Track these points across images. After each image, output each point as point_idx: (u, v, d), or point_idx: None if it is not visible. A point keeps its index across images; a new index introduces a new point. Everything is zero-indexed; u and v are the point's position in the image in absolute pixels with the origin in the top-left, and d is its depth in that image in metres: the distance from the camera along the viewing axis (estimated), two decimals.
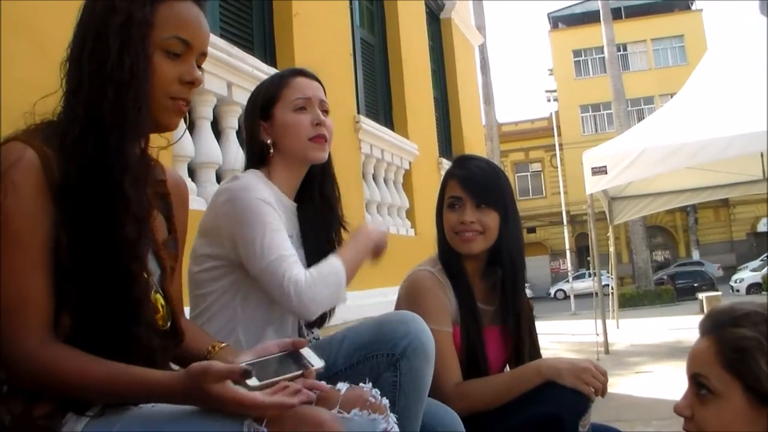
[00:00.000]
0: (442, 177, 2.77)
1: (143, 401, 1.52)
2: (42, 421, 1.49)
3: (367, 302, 5.37)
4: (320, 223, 2.48)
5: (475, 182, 2.63)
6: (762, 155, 11.56)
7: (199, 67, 1.73)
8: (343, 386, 1.72)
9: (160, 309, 1.73)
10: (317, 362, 1.59)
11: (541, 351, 2.81)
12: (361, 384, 1.76)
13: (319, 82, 2.51)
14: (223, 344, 1.91)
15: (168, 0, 1.66)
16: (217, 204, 2.25)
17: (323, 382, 1.61)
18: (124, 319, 1.56)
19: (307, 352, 1.63)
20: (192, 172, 4.04)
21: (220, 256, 2.24)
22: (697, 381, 1.62)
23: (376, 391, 1.74)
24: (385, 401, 1.74)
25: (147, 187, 1.67)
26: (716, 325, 1.62)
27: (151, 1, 1.63)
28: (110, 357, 1.51)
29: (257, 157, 2.42)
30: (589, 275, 33.49)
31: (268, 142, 2.40)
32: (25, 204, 1.48)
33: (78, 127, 1.54)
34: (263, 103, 2.43)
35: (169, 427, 1.47)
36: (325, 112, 2.45)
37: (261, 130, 2.41)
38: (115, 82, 1.55)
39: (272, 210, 2.20)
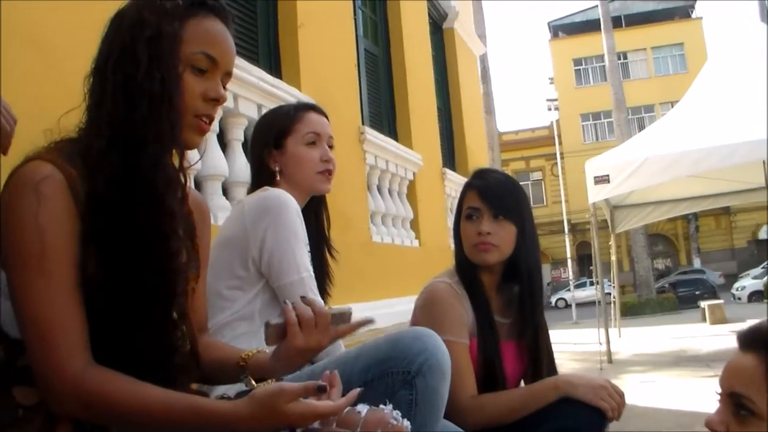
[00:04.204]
0: (461, 189, 2.76)
1: (198, 431, 1.49)
2: None
3: (372, 313, 5.33)
4: (314, 248, 2.61)
5: (493, 194, 2.62)
6: (764, 163, 11.54)
7: (224, 87, 1.71)
8: (363, 408, 1.70)
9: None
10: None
11: None
12: (381, 405, 1.74)
13: (327, 118, 2.72)
14: (253, 352, 1.87)
15: (197, 16, 1.65)
16: (246, 213, 2.37)
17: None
18: (162, 339, 1.55)
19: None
20: (198, 185, 4.03)
21: (245, 264, 2.34)
22: (736, 401, 1.50)
23: (397, 413, 1.72)
24: (407, 423, 1.72)
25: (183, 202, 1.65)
26: (766, 344, 1.50)
27: (180, 16, 1.62)
28: (137, 377, 1.47)
29: (265, 182, 2.55)
30: (591, 284, 33.45)
31: (276, 169, 2.58)
32: (58, 218, 1.44)
33: (103, 140, 1.52)
34: (277, 133, 2.62)
35: None
36: (331, 147, 2.69)
37: (271, 157, 2.60)
38: (147, 95, 1.53)
39: (303, 226, 2.39)
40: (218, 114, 4.15)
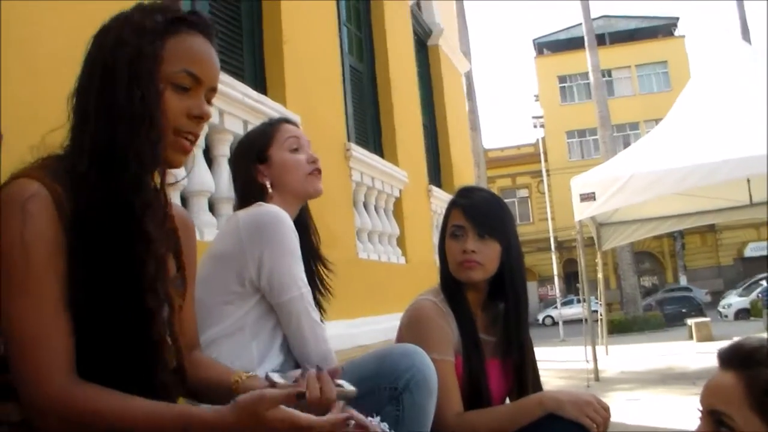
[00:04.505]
0: (446, 207, 2.77)
1: None
2: None
3: (358, 330, 5.35)
4: (305, 263, 2.57)
5: (478, 212, 2.63)
6: (748, 181, 11.62)
7: (209, 102, 1.71)
8: (351, 421, 1.70)
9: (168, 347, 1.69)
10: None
11: None
12: (369, 418, 1.74)
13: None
14: (249, 373, 1.90)
15: (178, 34, 1.64)
16: (242, 229, 2.34)
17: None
18: (142, 359, 1.53)
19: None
20: (184, 201, 4.01)
21: (241, 280, 2.32)
22: (716, 418, 1.52)
23: (384, 425, 1.73)
24: None
25: (164, 223, 1.64)
26: (746, 362, 1.52)
27: (161, 34, 1.61)
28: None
29: (256, 197, 2.52)
30: (577, 301, 33.51)
31: (266, 183, 2.57)
32: (44, 236, 1.45)
33: (86, 161, 1.51)
34: (258, 147, 2.62)
35: None
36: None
37: (258, 172, 2.59)
38: (127, 116, 1.52)
39: (298, 241, 2.37)
40: (204, 130, 4.14)
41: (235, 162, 2.76)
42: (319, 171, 2.63)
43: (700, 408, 1.59)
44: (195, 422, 1.46)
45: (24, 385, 1.42)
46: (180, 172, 1.84)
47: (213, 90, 1.72)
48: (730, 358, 1.57)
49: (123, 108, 1.53)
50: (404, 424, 1.87)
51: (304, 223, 2.67)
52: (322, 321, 2.43)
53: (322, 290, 2.68)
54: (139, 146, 1.53)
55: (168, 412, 1.48)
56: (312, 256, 2.66)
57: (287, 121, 2.75)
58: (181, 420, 1.46)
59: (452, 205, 2.72)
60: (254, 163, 2.60)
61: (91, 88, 1.57)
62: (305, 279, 2.37)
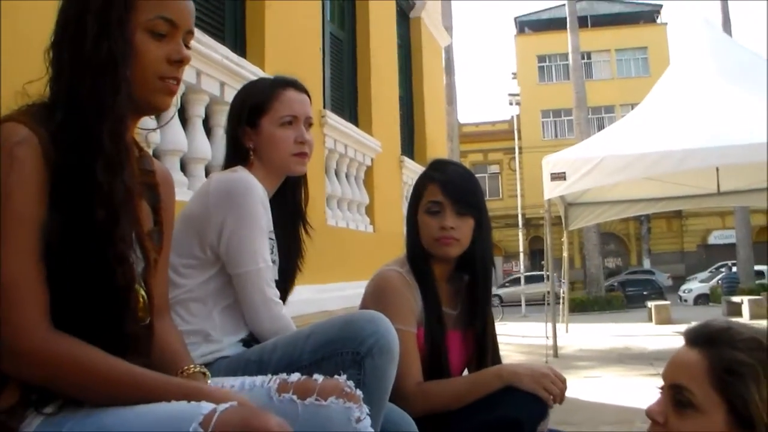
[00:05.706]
0: (417, 179, 2.76)
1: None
2: (2, 416, 1.45)
3: (323, 296, 5.38)
4: (287, 224, 2.60)
5: (456, 188, 2.63)
6: (717, 170, 11.75)
7: (187, 45, 1.72)
8: (319, 377, 1.74)
9: (141, 301, 1.68)
10: None
11: None
12: (336, 376, 1.76)
13: (308, 94, 2.62)
14: (196, 369, 1.88)
15: None
16: (210, 193, 2.33)
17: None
18: (109, 305, 1.53)
19: None
20: (156, 159, 4.00)
21: (202, 246, 2.31)
22: (677, 392, 1.59)
23: (350, 383, 1.75)
24: (359, 392, 1.74)
25: (129, 174, 1.61)
26: (711, 341, 1.59)
27: None
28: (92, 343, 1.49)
29: (239, 159, 2.50)
30: (542, 278, 33.70)
31: (250, 147, 2.50)
32: (28, 182, 1.45)
33: (62, 113, 1.53)
34: (251, 110, 2.52)
35: (119, 426, 1.44)
36: (309, 125, 2.59)
37: (245, 135, 2.52)
38: (93, 66, 1.54)
39: (266, 215, 2.34)
40: (180, 89, 4.14)
41: (229, 115, 2.66)
42: (305, 154, 2.54)
43: (661, 384, 1.67)
44: (195, 393, 1.50)
45: (5, 329, 1.42)
46: (151, 123, 1.78)
47: (190, 33, 1.73)
48: (697, 336, 1.64)
49: (90, 58, 1.54)
50: (365, 389, 1.86)
51: (291, 187, 2.64)
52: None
53: (302, 255, 2.67)
54: (100, 96, 1.54)
55: (152, 379, 1.53)
56: (297, 220, 2.66)
57: (293, 85, 2.60)
58: (181, 390, 1.50)
59: (428, 180, 2.69)
60: (243, 126, 2.52)
61: (64, 40, 1.58)
62: (267, 255, 2.33)
